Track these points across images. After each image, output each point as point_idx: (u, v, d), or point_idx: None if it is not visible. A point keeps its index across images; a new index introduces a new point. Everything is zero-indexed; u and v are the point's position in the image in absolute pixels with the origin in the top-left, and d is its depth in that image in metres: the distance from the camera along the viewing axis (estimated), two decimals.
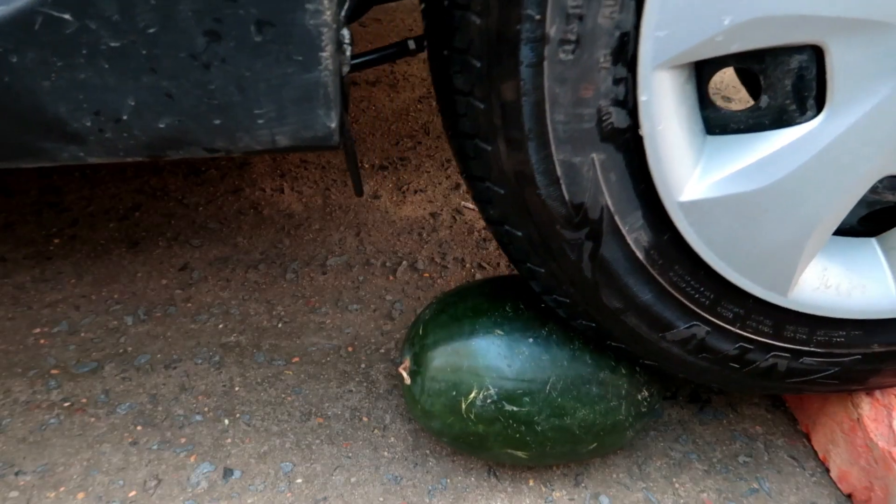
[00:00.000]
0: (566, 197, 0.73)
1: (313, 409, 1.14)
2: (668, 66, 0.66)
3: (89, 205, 1.57)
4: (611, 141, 0.70)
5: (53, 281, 1.37)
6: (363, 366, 1.22)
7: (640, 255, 0.77)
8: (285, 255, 1.46)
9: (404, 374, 0.97)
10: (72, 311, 1.30)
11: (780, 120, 0.73)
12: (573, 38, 0.64)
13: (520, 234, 0.80)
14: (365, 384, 1.18)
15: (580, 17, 0.63)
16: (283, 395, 1.16)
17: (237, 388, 1.16)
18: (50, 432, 1.08)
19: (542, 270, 0.82)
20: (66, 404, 1.13)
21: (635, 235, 0.76)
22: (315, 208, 1.61)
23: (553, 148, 0.70)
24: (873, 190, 0.80)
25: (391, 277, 1.42)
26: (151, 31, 0.62)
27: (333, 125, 0.69)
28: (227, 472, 1.03)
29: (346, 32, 0.69)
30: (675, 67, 0.67)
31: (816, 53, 0.67)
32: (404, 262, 1.46)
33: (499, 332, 0.93)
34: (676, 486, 1.04)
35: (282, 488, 1.01)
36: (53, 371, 1.18)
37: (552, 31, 0.63)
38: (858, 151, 0.70)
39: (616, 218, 0.74)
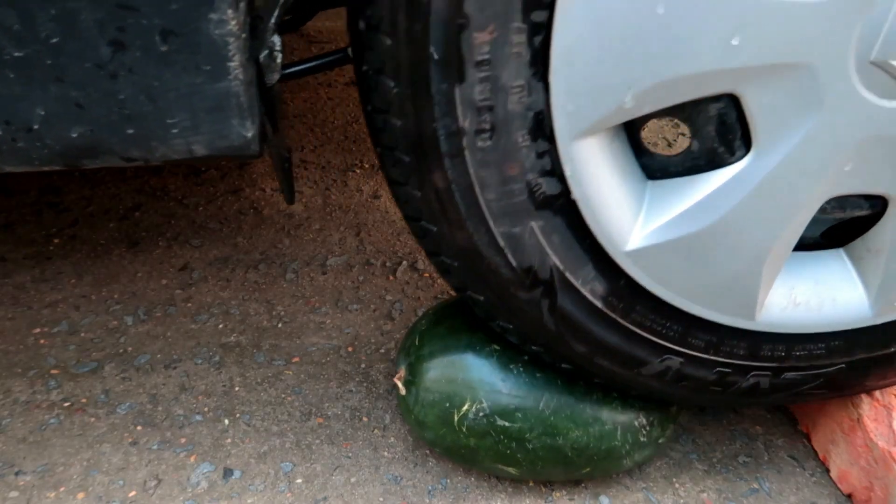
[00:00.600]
0: (513, 264, 0.77)
1: (313, 409, 1.14)
2: (587, 136, 0.69)
3: (89, 205, 1.58)
4: (546, 208, 0.73)
5: (53, 281, 1.38)
6: (363, 366, 1.22)
7: (598, 303, 0.80)
8: (285, 255, 1.46)
9: (399, 384, 0.98)
10: (72, 311, 1.31)
11: (714, 161, 0.75)
12: (487, 126, 0.68)
13: (481, 298, 0.83)
14: (365, 384, 1.19)
15: (490, 108, 0.67)
16: (283, 395, 1.16)
17: (237, 388, 1.17)
18: (50, 432, 1.09)
19: (511, 326, 0.86)
20: (66, 404, 1.13)
21: (590, 287, 0.79)
22: (315, 208, 1.61)
23: (491, 223, 0.74)
24: (822, 210, 0.81)
25: (391, 277, 1.43)
26: (54, 40, 0.62)
27: (250, 134, 0.70)
28: (227, 472, 1.04)
29: (276, 39, 0.72)
30: (595, 134, 0.70)
31: (733, 99, 0.69)
32: (404, 262, 1.47)
33: (495, 346, 0.95)
34: (676, 486, 1.05)
35: (282, 488, 1.02)
36: (53, 371, 1.19)
37: (466, 124, 0.67)
38: (794, 183, 0.72)
39: (567, 274, 0.77)
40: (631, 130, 0.76)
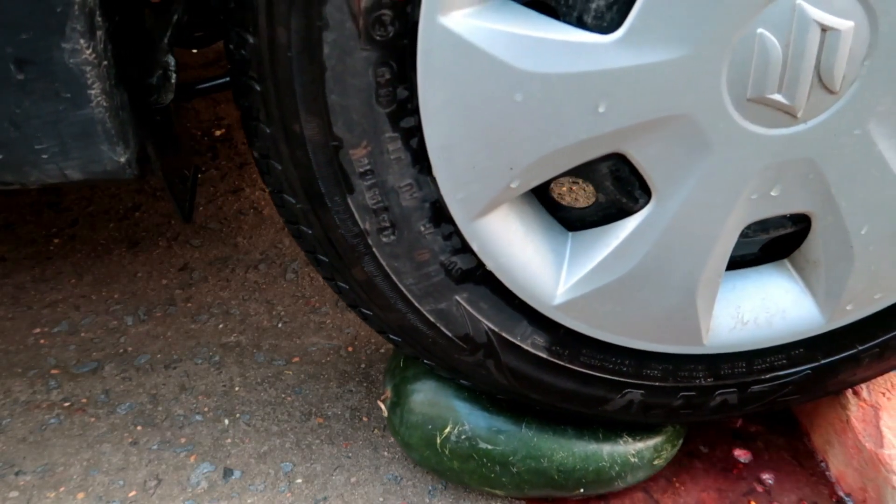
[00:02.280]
0: (449, 334, 0.81)
1: (313, 409, 1.16)
2: (486, 213, 0.73)
3: (89, 205, 1.60)
4: (467, 281, 0.78)
5: (53, 281, 1.40)
6: (363, 366, 1.24)
7: (543, 354, 0.84)
8: (285, 255, 1.48)
9: (382, 407, 1.00)
10: (72, 311, 1.33)
11: (623, 210, 0.78)
12: (388, 224, 0.73)
13: (434, 363, 0.88)
14: (365, 384, 1.20)
15: (385, 209, 0.72)
16: (283, 395, 1.18)
17: (237, 388, 1.19)
18: (50, 432, 1.10)
19: (471, 383, 0.91)
20: (66, 404, 1.15)
21: (530, 341, 0.82)
22: None
23: (417, 304, 0.79)
24: (744, 235, 0.83)
25: None
26: None
27: (123, 159, 0.72)
28: (227, 472, 1.05)
29: (170, 59, 0.75)
30: (495, 209, 0.74)
31: (622, 155, 0.72)
32: None
33: None
34: (676, 485, 1.06)
35: (282, 488, 1.03)
36: (53, 371, 1.21)
37: (367, 226, 0.73)
38: (703, 220, 0.74)
39: (503, 334, 0.81)
40: (542, 191, 0.79)
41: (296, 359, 1.25)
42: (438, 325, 0.80)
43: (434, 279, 0.77)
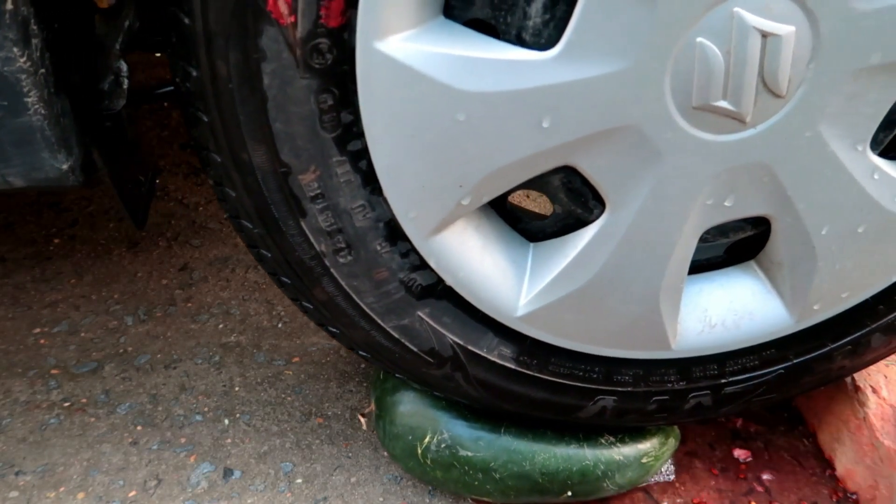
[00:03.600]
0: (414, 349, 0.83)
1: (313, 409, 1.18)
2: (442, 230, 0.75)
3: (89, 205, 1.63)
4: (428, 296, 0.80)
5: (53, 281, 1.43)
6: (363, 366, 1.27)
7: (511, 365, 0.85)
8: None
9: (362, 420, 1.02)
10: (72, 311, 1.36)
11: (581, 221, 0.80)
12: (343, 245, 0.75)
13: (406, 377, 0.90)
14: (365, 384, 1.23)
15: (340, 230, 0.74)
16: (283, 395, 1.20)
17: (237, 388, 1.21)
18: (50, 432, 1.13)
19: (443, 395, 0.93)
20: (66, 404, 1.17)
21: (497, 352, 0.83)
22: None
23: (380, 321, 0.80)
24: (703, 240, 0.84)
25: None
26: None
27: (65, 166, 0.73)
28: (228, 472, 1.08)
29: (122, 65, 0.76)
30: (451, 225, 0.75)
31: (573, 168, 0.74)
32: None
33: None
34: (676, 485, 1.07)
35: (282, 488, 1.05)
36: (53, 371, 1.23)
37: (323, 248, 0.74)
38: (659, 228, 0.75)
39: (469, 347, 0.83)
40: (500, 204, 0.81)
41: (296, 359, 1.26)
42: (403, 340, 0.82)
43: (395, 296, 0.78)
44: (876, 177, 0.75)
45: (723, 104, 0.67)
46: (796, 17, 0.64)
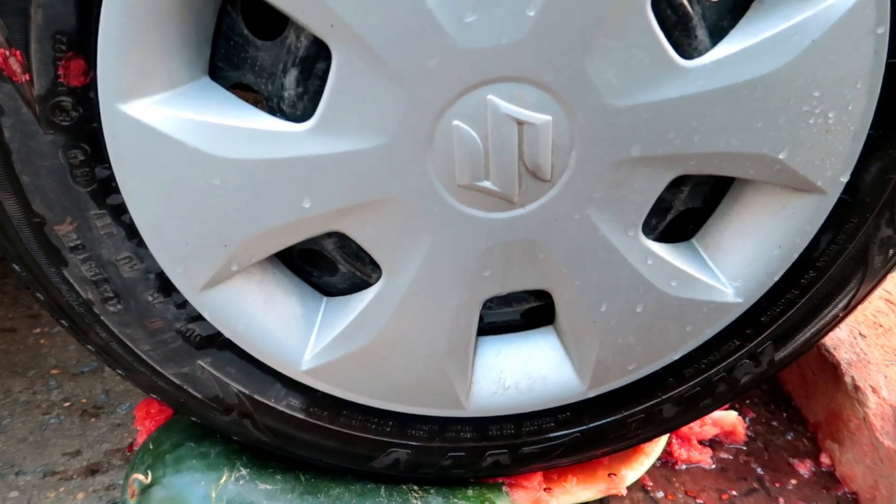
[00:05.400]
0: (199, 396, 0.76)
1: None
2: (216, 285, 0.68)
3: None
4: (209, 346, 0.73)
5: None
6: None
7: (301, 415, 0.78)
8: None
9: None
10: None
11: (365, 282, 0.73)
12: (111, 294, 0.69)
13: (198, 421, 0.83)
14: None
15: (106, 280, 0.67)
16: None
17: None
18: (50, 432, 1.06)
19: (237, 439, 0.84)
20: (66, 404, 1.13)
21: (285, 402, 0.77)
22: None
23: (159, 369, 0.74)
24: (488, 308, 0.78)
25: None
26: None
27: None
28: None
29: None
30: (227, 280, 0.68)
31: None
32: None
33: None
34: (676, 485, 0.99)
35: None
36: (53, 371, 1.20)
37: (90, 296, 0.69)
38: (436, 295, 0.69)
39: (256, 397, 0.76)
40: (291, 258, 0.73)
41: None
42: (185, 387, 0.76)
43: (172, 345, 0.72)
44: (650, 262, 0.68)
45: (486, 185, 0.62)
46: (552, 108, 0.58)
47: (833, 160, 0.64)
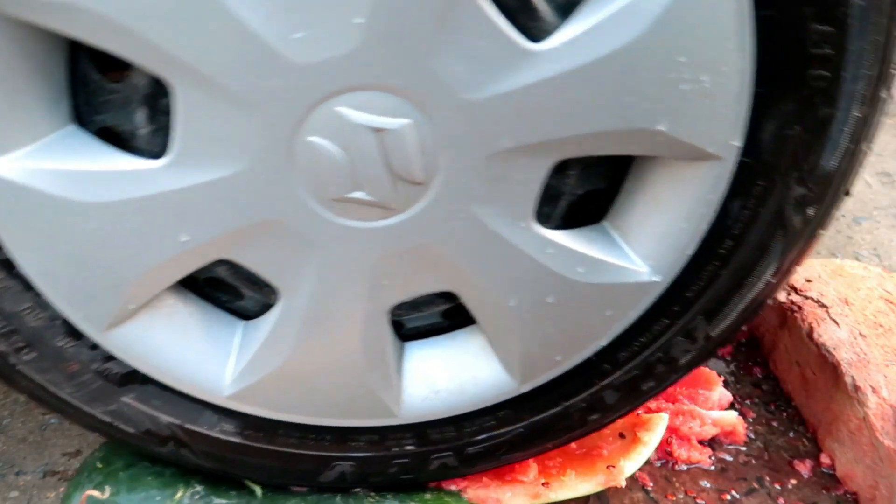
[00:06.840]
0: (131, 431, 0.77)
1: None
2: (120, 324, 0.69)
3: None
4: (130, 383, 0.73)
5: None
6: None
7: (237, 439, 0.78)
8: None
9: None
10: None
11: (270, 305, 0.73)
12: (23, 344, 0.69)
13: (141, 453, 0.84)
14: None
15: (14, 331, 0.68)
16: None
17: None
18: (50, 432, 1.08)
19: (184, 466, 0.85)
20: None
21: (219, 428, 0.77)
22: None
23: (87, 409, 0.75)
24: (398, 314, 0.78)
25: None
26: None
27: None
28: None
29: None
30: (131, 319, 0.69)
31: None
32: None
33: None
34: (676, 485, 0.99)
35: None
36: None
37: (2, 347, 0.70)
38: (338, 307, 0.71)
39: (187, 426, 0.77)
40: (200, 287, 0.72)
41: None
42: (117, 423, 0.76)
43: (93, 386, 0.73)
44: (549, 251, 0.66)
45: (359, 195, 0.61)
46: (408, 111, 0.57)
47: (719, 124, 0.61)
